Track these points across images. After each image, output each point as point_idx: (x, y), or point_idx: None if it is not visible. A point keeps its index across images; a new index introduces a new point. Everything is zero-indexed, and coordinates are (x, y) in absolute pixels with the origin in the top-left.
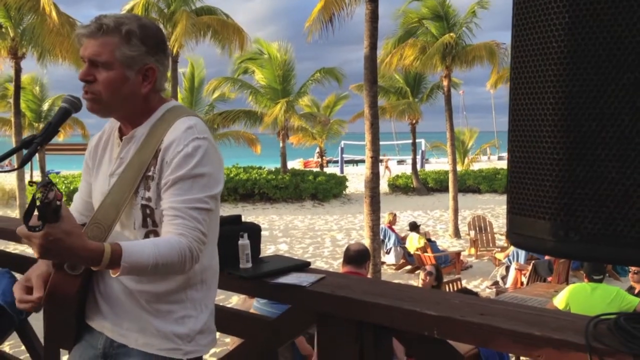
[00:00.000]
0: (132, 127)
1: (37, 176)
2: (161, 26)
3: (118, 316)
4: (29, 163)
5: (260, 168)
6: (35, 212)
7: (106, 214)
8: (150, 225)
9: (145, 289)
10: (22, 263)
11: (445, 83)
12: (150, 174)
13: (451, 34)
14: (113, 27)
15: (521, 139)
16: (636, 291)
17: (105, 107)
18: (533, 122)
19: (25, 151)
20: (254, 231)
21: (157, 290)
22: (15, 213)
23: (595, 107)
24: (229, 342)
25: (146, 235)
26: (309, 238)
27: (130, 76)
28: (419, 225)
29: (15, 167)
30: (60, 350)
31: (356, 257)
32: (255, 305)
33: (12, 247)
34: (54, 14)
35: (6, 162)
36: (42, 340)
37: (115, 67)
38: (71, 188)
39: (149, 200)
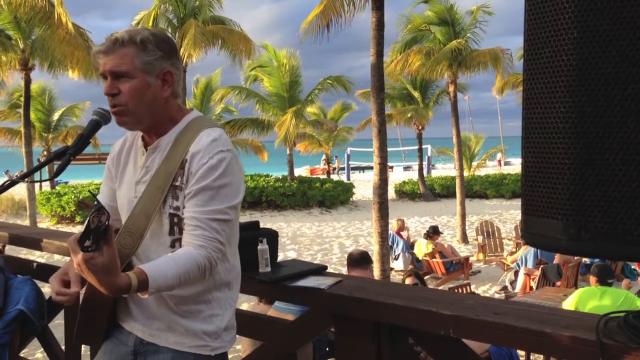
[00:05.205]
0: (157, 137)
1: (46, 186)
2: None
3: (148, 318)
4: (39, 173)
5: (267, 176)
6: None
7: (137, 222)
8: (177, 233)
9: (174, 293)
10: (43, 271)
11: (451, 89)
12: (177, 183)
13: (459, 40)
14: (128, 39)
15: (534, 146)
16: None
17: (133, 117)
18: (545, 130)
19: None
20: (272, 236)
21: (186, 293)
22: (25, 223)
23: (602, 115)
24: (239, 348)
25: (172, 243)
26: (317, 245)
27: (151, 82)
28: (441, 233)
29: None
30: (82, 353)
31: (360, 259)
32: (276, 305)
33: (24, 253)
34: (70, 24)
35: (17, 173)
36: (62, 346)
37: (136, 75)
38: (80, 197)
39: (177, 209)
